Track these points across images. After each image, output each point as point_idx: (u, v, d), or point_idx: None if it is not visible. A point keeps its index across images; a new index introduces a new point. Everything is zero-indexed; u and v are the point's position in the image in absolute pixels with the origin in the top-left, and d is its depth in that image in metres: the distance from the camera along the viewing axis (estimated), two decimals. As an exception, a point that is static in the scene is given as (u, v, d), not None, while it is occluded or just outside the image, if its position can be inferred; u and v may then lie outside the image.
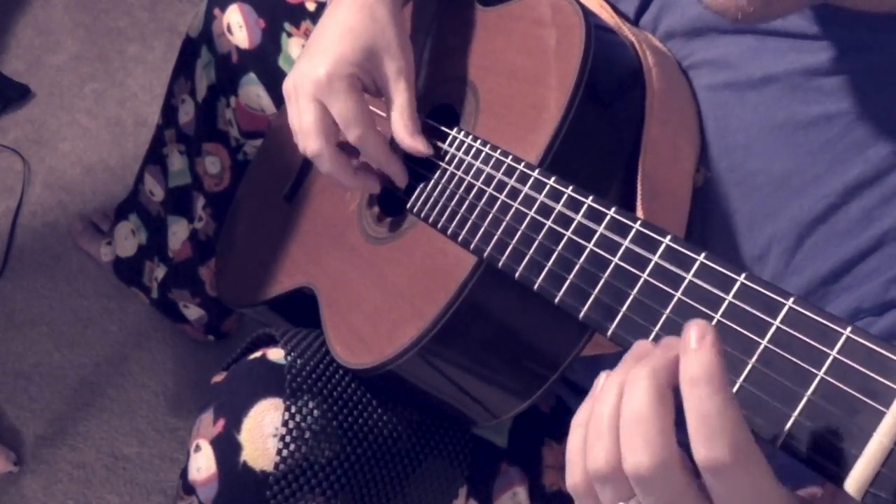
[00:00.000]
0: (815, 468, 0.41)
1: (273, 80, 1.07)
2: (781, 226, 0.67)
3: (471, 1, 0.84)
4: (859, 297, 0.62)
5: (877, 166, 0.62)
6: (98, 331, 1.47)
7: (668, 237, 0.52)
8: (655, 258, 0.52)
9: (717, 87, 0.73)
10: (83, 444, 1.36)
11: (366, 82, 0.78)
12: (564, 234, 0.59)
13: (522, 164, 0.65)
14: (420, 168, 0.78)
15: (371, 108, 0.80)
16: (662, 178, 0.70)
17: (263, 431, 0.74)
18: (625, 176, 0.70)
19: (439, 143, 0.76)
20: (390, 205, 0.83)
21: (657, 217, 0.68)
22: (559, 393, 0.92)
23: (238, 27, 1.06)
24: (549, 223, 0.60)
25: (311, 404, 0.75)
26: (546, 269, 0.59)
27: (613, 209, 0.56)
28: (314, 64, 0.77)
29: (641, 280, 0.52)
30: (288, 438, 0.74)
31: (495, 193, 0.66)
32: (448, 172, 0.73)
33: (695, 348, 0.40)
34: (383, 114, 0.85)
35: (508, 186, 0.65)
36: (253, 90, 1.09)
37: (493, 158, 0.68)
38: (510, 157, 0.67)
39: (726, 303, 0.47)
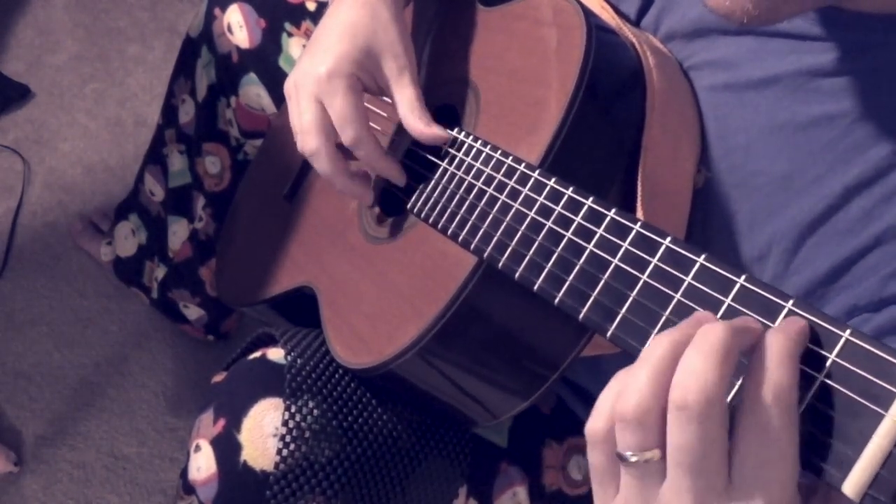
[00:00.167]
0: (814, 470, 0.41)
1: (273, 80, 1.07)
2: (782, 226, 0.67)
3: (472, 1, 0.84)
4: (857, 296, 0.62)
5: (877, 166, 0.62)
6: (98, 331, 1.47)
7: (668, 239, 0.52)
8: (655, 260, 0.52)
9: (718, 88, 0.73)
10: (83, 444, 1.36)
11: (367, 82, 0.78)
12: (564, 235, 0.59)
13: (523, 164, 0.65)
14: (420, 168, 0.78)
15: (370, 106, 0.80)
16: (663, 179, 0.70)
17: (263, 431, 0.74)
18: (625, 177, 0.70)
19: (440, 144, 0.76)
20: (391, 205, 0.83)
21: (657, 218, 0.69)
22: (559, 393, 0.92)
23: (238, 27, 1.06)
24: (549, 224, 0.60)
25: (310, 404, 0.75)
26: (546, 270, 0.59)
27: (613, 210, 0.56)
28: (315, 63, 0.77)
29: (641, 281, 0.52)
30: (288, 438, 0.74)
31: (495, 194, 0.66)
32: (448, 173, 0.73)
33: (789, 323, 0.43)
34: (384, 113, 0.85)
35: (509, 187, 0.65)
36: (253, 90, 1.09)
37: (494, 159, 0.68)
38: (510, 157, 0.67)
39: (726, 305, 0.47)
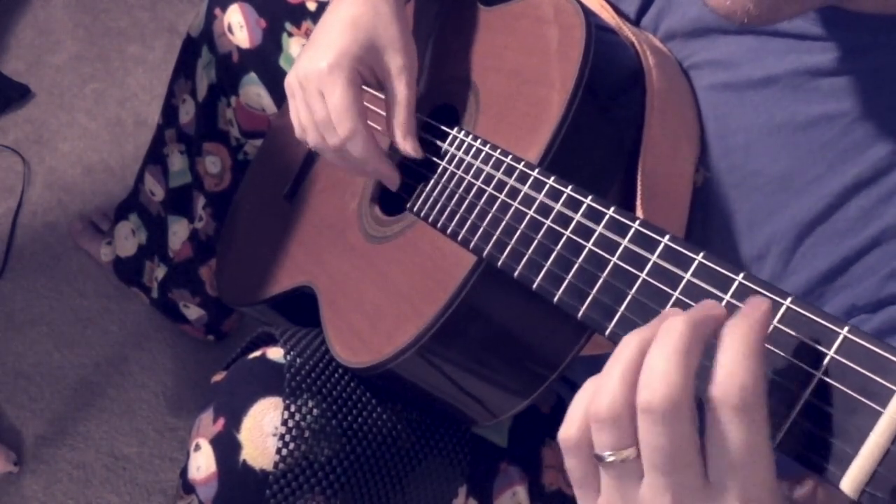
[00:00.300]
0: (812, 467, 0.41)
1: (274, 80, 1.07)
2: (781, 226, 0.67)
3: (472, 1, 0.84)
4: (855, 295, 0.62)
5: (876, 166, 0.62)
6: (98, 331, 1.47)
7: (667, 237, 0.52)
8: (654, 258, 0.52)
9: (718, 88, 0.73)
10: (83, 444, 1.36)
11: (367, 76, 0.78)
12: (563, 234, 0.59)
13: (522, 163, 0.65)
14: (420, 168, 0.78)
15: (369, 105, 0.80)
16: (662, 178, 0.70)
17: (263, 430, 0.74)
18: (625, 176, 0.70)
19: (439, 143, 0.77)
20: (390, 204, 0.84)
21: (657, 217, 0.69)
22: (559, 392, 0.92)
23: (239, 27, 1.06)
24: (548, 222, 0.60)
25: (310, 403, 0.75)
26: (545, 268, 0.59)
27: (612, 209, 0.56)
28: (316, 58, 0.77)
29: (640, 279, 0.52)
30: (287, 437, 0.74)
31: (495, 193, 0.66)
32: (448, 172, 0.73)
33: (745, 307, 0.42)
34: (384, 113, 0.85)
35: (508, 186, 0.65)
36: (253, 90, 1.09)
37: (493, 158, 0.68)
38: (510, 156, 0.67)
39: (724, 302, 0.47)
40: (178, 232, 1.31)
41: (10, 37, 1.81)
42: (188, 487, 0.78)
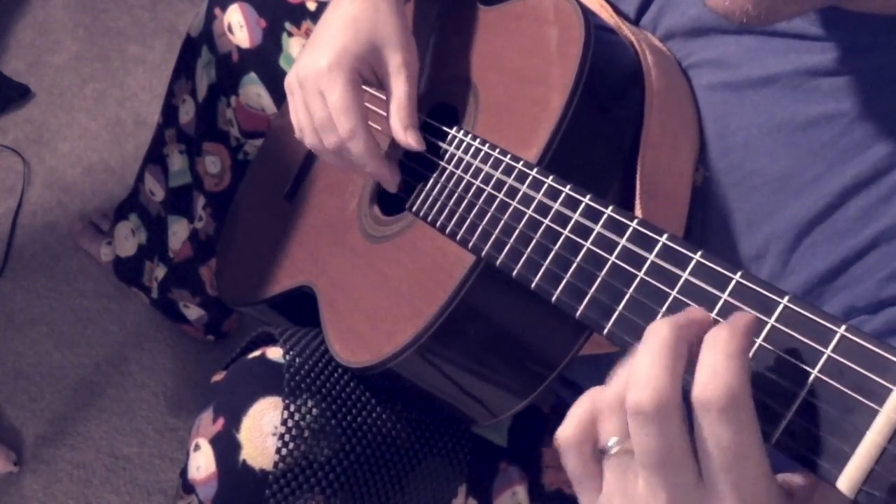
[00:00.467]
0: (809, 466, 0.41)
1: (274, 80, 1.07)
2: (780, 225, 0.67)
3: (472, 1, 0.84)
4: (854, 296, 0.62)
5: (875, 166, 0.62)
6: (98, 331, 1.47)
7: (665, 236, 0.52)
8: (652, 257, 0.52)
9: (717, 87, 0.73)
10: (83, 444, 1.37)
11: (367, 75, 0.78)
12: (562, 233, 0.59)
13: (521, 162, 0.65)
14: (420, 167, 0.78)
15: (370, 105, 0.80)
16: (661, 178, 0.70)
17: (263, 430, 0.74)
18: (623, 175, 0.70)
19: (439, 143, 0.77)
20: (390, 204, 0.84)
21: (656, 216, 0.69)
22: (559, 392, 0.92)
23: (239, 27, 1.06)
24: (546, 222, 0.60)
25: (310, 403, 0.75)
26: (543, 267, 0.59)
27: (611, 208, 0.56)
28: (316, 56, 0.77)
29: (638, 279, 0.52)
30: (287, 437, 0.74)
31: (494, 192, 0.66)
32: (447, 171, 0.73)
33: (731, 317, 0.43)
34: (384, 113, 0.85)
35: (507, 185, 0.65)
36: (253, 90, 1.09)
37: (492, 157, 0.68)
38: (509, 155, 0.67)
39: (722, 301, 0.47)
40: (178, 232, 1.31)
41: (10, 37, 1.82)
42: (188, 487, 0.78)
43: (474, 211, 0.68)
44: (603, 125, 0.70)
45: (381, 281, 0.77)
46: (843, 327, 0.42)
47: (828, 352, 0.42)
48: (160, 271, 1.37)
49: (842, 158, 0.64)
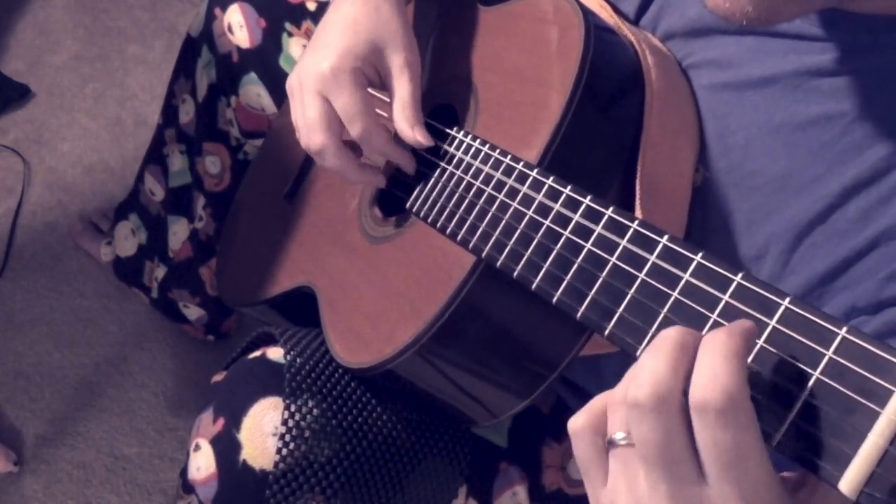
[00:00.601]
0: (810, 468, 0.41)
1: (274, 80, 1.07)
2: (780, 226, 0.67)
3: (472, 1, 0.84)
4: (855, 297, 0.62)
5: (875, 167, 0.62)
6: (98, 331, 1.47)
7: (666, 237, 0.52)
8: (653, 258, 0.52)
9: (717, 87, 0.73)
10: (83, 444, 1.37)
11: (370, 76, 0.78)
12: (563, 234, 0.59)
13: (521, 163, 0.65)
14: (420, 167, 0.78)
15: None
16: (661, 178, 0.70)
17: (263, 430, 0.74)
18: (624, 175, 0.70)
19: (439, 143, 0.77)
20: (390, 204, 0.84)
21: (656, 216, 0.69)
22: (559, 393, 0.92)
23: (239, 27, 1.06)
24: (547, 223, 0.60)
25: (310, 403, 0.75)
26: (544, 268, 0.59)
27: (611, 209, 0.56)
28: (318, 59, 0.77)
29: (639, 280, 0.52)
30: (287, 437, 0.74)
31: (494, 193, 0.66)
32: (447, 172, 0.73)
33: (734, 323, 0.43)
34: (384, 113, 0.85)
35: (507, 186, 0.65)
36: (253, 90, 1.09)
37: (493, 158, 0.68)
38: (509, 156, 0.67)
39: (723, 302, 0.47)
40: (178, 232, 1.31)
41: (10, 37, 1.82)
42: (188, 487, 0.78)
43: (474, 212, 0.68)
44: (603, 125, 0.70)
45: (381, 281, 0.77)
46: (844, 329, 0.42)
47: (829, 353, 0.42)
48: (160, 271, 1.37)
49: (842, 159, 0.64)
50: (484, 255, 0.65)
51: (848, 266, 0.63)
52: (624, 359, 0.49)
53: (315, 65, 0.77)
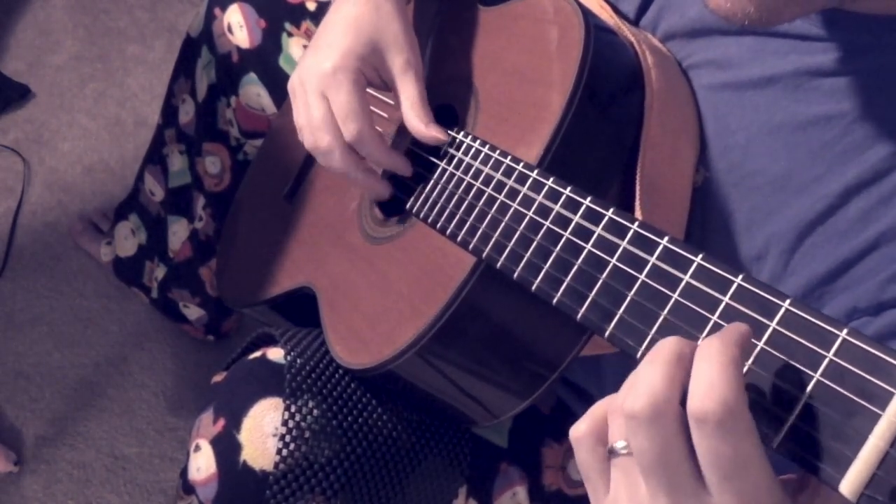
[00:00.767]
0: (811, 470, 0.41)
1: (274, 80, 1.07)
2: (780, 226, 0.67)
3: (472, 1, 0.84)
4: (856, 298, 0.62)
5: (875, 167, 0.62)
6: (98, 331, 1.47)
7: (666, 238, 0.52)
8: (653, 259, 0.52)
9: (717, 88, 0.73)
10: (83, 444, 1.37)
11: (371, 77, 0.78)
12: (563, 235, 0.59)
13: (521, 164, 0.65)
14: (420, 169, 0.78)
15: (372, 107, 0.80)
16: (661, 178, 0.70)
17: (263, 431, 0.74)
18: (624, 176, 0.70)
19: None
20: (390, 205, 0.83)
21: (656, 217, 0.69)
22: (559, 393, 0.92)
23: (238, 27, 1.06)
24: (547, 224, 0.60)
25: (310, 404, 0.75)
26: (544, 270, 0.59)
27: (611, 210, 0.56)
28: (320, 59, 0.77)
29: (639, 281, 0.52)
30: (288, 438, 0.74)
31: (494, 194, 0.66)
32: (447, 173, 0.73)
33: (729, 328, 0.43)
34: (384, 114, 0.85)
35: (507, 187, 0.65)
36: (253, 90, 1.09)
37: (493, 159, 0.68)
38: (509, 157, 0.67)
39: (723, 304, 0.47)
40: (178, 232, 1.31)
41: (10, 37, 1.81)
42: (188, 488, 0.78)
43: (474, 213, 0.68)
44: (603, 126, 0.70)
45: (381, 282, 0.77)
46: (845, 331, 0.42)
47: (829, 355, 0.42)
48: (160, 271, 1.37)
49: (842, 159, 0.64)
50: (484, 256, 0.65)
51: (848, 267, 0.63)
52: (624, 360, 0.49)
53: (317, 64, 0.77)
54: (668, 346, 0.43)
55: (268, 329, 0.85)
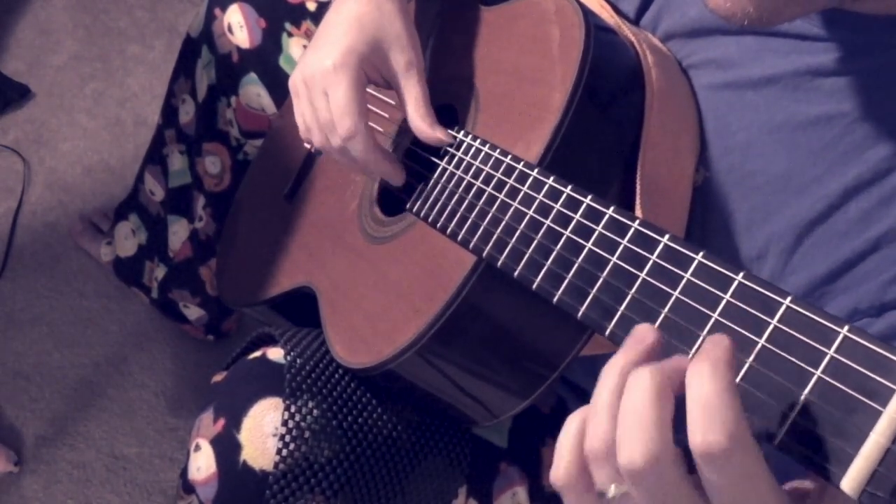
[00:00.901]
0: (813, 467, 0.41)
1: (274, 80, 1.07)
2: (780, 226, 0.67)
3: (472, 0, 0.84)
4: (857, 299, 0.62)
5: (875, 167, 0.62)
6: (98, 331, 1.47)
7: (667, 236, 0.52)
8: (654, 257, 0.52)
9: (718, 87, 0.73)
10: (83, 444, 1.36)
11: (373, 76, 0.78)
12: (563, 234, 0.59)
13: (522, 163, 0.65)
14: (420, 168, 0.78)
15: (370, 106, 0.80)
16: (662, 178, 0.70)
17: (263, 431, 0.74)
18: (624, 175, 0.70)
19: (439, 143, 0.77)
20: (390, 204, 0.83)
21: (656, 216, 0.69)
22: (559, 393, 0.92)
23: (239, 27, 1.06)
24: (547, 222, 0.60)
25: (310, 404, 0.75)
26: (545, 268, 0.59)
27: (612, 208, 0.56)
28: (321, 56, 0.77)
29: (640, 279, 0.52)
30: (287, 438, 0.74)
31: (494, 193, 0.66)
32: (448, 172, 0.73)
33: (705, 344, 0.41)
34: (384, 113, 0.85)
35: (508, 186, 0.65)
36: (253, 90, 1.09)
37: (493, 158, 0.68)
38: (509, 156, 0.67)
39: (724, 302, 0.47)
40: (178, 232, 1.31)
41: (10, 37, 1.81)
42: (188, 488, 0.78)
43: (475, 212, 0.68)
44: (603, 125, 0.70)
45: (381, 282, 0.77)
46: (846, 328, 0.41)
47: (830, 352, 0.42)
48: (160, 271, 1.37)
49: (842, 159, 0.64)
50: (484, 254, 0.65)
51: (849, 267, 0.63)
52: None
53: (318, 62, 0.77)
54: (644, 386, 0.40)
55: (268, 329, 0.85)
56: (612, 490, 0.42)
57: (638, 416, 0.40)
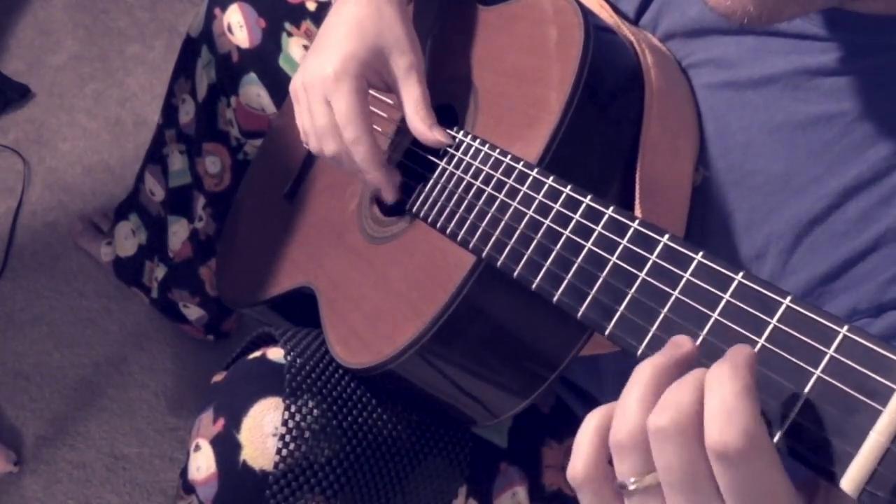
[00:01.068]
0: (812, 467, 0.41)
1: (274, 80, 1.07)
2: (779, 225, 0.67)
3: (472, 1, 0.84)
4: (856, 298, 0.62)
5: (875, 167, 0.62)
6: (98, 331, 1.47)
7: (666, 236, 0.52)
8: (653, 257, 0.52)
9: (717, 87, 0.73)
10: (83, 444, 1.36)
11: (374, 80, 0.78)
12: (563, 234, 0.59)
13: (521, 163, 0.65)
14: (420, 168, 0.78)
15: (370, 108, 0.80)
16: (661, 178, 0.70)
17: (263, 431, 0.74)
18: (623, 175, 0.70)
19: (439, 143, 0.76)
20: (390, 205, 0.83)
21: (655, 216, 0.69)
22: (559, 393, 0.92)
23: (238, 27, 1.06)
24: (547, 222, 0.60)
25: (310, 404, 0.75)
26: (544, 268, 0.59)
27: (611, 208, 0.56)
28: (322, 62, 0.77)
29: (639, 279, 0.52)
30: (287, 438, 0.74)
31: (494, 193, 0.66)
32: (447, 172, 0.73)
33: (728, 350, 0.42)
34: (384, 114, 0.85)
35: (507, 186, 0.65)
36: (253, 90, 1.09)
37: (492, 158, 0.68)
38: (509, 156, 0.67)
39: (724, 301, 0.47)
40: (178, 232, 1.31)
41: (10, 37, 1.81)
42: (188, 487, 0.78)
43: (474, 212, 0.68)
44: (603, 125, 0.70)
45: (381, 282, 0.77)
46: (846, 327, 0.42)
47: (830, 352, 0.42)
48: (160, 271, 1.37)
49: (842, 159, 0.64)
50: (484, 255, 0.65)
51: (848, 267, 0.63)
52: (623, 359, 0.49)
53: (319, 68, 0.77)
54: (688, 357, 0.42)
55: (268, 329, 0.85)
56: (632, 481, 0.43)
57: (677, 386, 0.42)
